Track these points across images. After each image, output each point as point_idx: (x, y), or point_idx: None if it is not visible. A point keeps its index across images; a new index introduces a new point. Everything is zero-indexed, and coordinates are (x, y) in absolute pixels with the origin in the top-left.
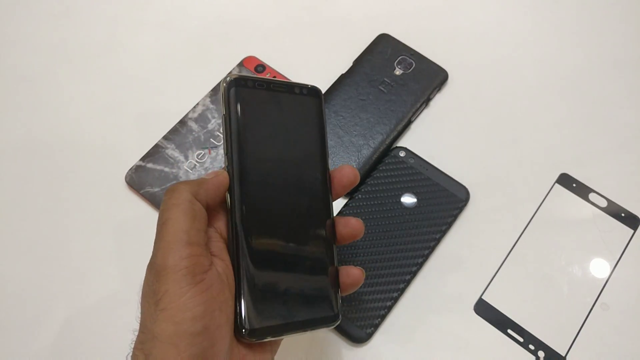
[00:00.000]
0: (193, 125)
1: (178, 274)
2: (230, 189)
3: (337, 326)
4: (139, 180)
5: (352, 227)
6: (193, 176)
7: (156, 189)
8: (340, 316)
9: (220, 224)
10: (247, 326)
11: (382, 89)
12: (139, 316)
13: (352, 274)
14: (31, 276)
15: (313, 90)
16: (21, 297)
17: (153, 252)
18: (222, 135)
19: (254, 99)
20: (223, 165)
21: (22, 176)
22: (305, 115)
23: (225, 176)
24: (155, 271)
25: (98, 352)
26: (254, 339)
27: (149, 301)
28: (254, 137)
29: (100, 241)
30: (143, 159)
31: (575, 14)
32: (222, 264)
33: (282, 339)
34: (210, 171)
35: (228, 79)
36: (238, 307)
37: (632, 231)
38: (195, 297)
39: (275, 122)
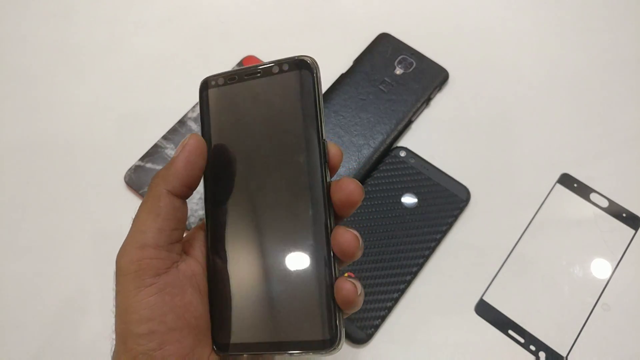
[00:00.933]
0: (192, 125)
1: (127, 277)
2: (205, 194)
3: None
4: (138, 180)
5: (345, 189)
6: None
7: None
8: (338, 341)
9: None
10: (216, 339)
11: (383, 88)
12: None
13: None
14: (30, 276)
15: (297, 63)
16: (21, 297)
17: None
18: None
19: (226, 97)
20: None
21: (21, 176)
22: (290, 97)
23: (195, 141)
24: (115, 270)
25: (98, 352)
26: (222, 353)
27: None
28: (227, 137)
29: (100, 241)
30: (142, 159)
31: (575, 14)
32: (195, 267)
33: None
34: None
35: (201, 81)
36: (212, 322)
37: (634, 231)
38: (142, 300)
39: (252, 116)
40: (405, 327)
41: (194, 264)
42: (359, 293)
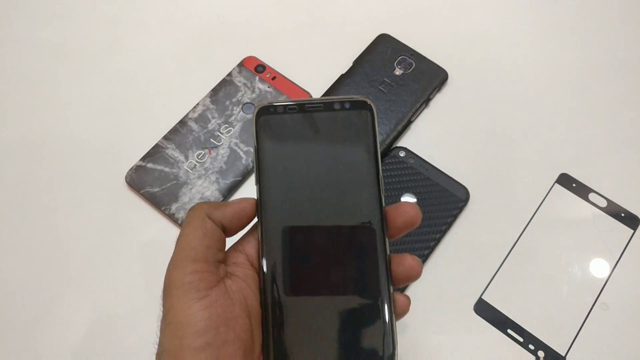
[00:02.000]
0: (193, 125)
1: (181, 289)
2: (259, 221)
3: None
4: (139, 180)
5: (406, 265)
6: (193, 176)
7: (156, 189)
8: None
9: (251, 250)
10: None
11: (382, 89)
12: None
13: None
14: (31, 276)
15: (359, 104)
16: (21, 297)
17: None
18: (254, 169)
19: (286, 125)
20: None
21: (22, 176)
22: (350, 134)
23: (249, 203)
24: (164, 287)
25: (97, 352)
26: None
27: (161, 315)
28: (285, 167)
29: (100, 241)
30: (143, 159)
31: (575, 14)
32: (239, 284)
33: None
34: (239, 197)
35: (256, 108)
36: (265, 345)
37: (632, 231)
38: (198, 312)
39: (310, 147)
40: (405, 326)
41: (238, 281)
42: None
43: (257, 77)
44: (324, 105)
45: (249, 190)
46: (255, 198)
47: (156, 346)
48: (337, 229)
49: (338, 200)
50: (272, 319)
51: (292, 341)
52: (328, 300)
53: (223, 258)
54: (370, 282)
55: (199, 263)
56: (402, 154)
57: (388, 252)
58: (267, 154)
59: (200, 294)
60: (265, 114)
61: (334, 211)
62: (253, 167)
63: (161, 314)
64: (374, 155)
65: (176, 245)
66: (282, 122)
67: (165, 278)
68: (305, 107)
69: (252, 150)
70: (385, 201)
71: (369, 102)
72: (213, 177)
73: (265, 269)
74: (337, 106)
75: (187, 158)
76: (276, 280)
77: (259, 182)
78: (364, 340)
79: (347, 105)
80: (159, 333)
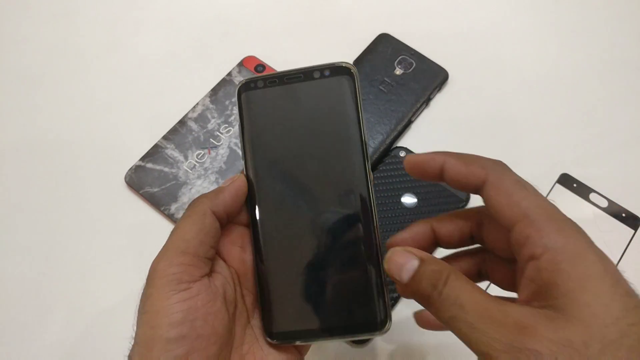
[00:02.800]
0: (193, 125)
1: (164, 279)
2: (249, 192)
3: None
4: (139, 180)
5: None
6: (192, 176)
7: (156, 189)
8: (389, 321)
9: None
10: (268, 328)
11: (383, 88)
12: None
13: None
14: (31, 276)
15: (339, 69)
16: (21, 297)
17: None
18: (240, 145)
19: (268, 98)
20: (241, 170)
21: (21, 176)
22: (332, 101)
23: (242, 180)
24: (148, 275)
25: (97, 352)
26: (276, 342)
27: (139, 305)
28: (269, 139)
29: (100, 241)
30: (143, 159)
31: (575, 14)
32: (221, 279)
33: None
34: (228, 178)
35: (238, 85)
36: (260, 307)
37: (633, 231)
38: (176, 304)
39: (293, 118)
40: (405, 327)
41: (221, 277)
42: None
43: None
44: (304, 74)
45: None
46: (243, 173)
47: (132, 342)
48: (325, 195)
49: (325, 167)
50: (265, 280)
51: (285, 304)
52: (318, 264)
53: (213, 255)
54: (360, 246)
55: (187, 256)
56: (402, 153)
57: (376, 217)
58: (251, 129)
59: (181, 286)
60: (247, 90)
61: (322, 178)
62: (240, 144)
63: (139, 302)
64: (357, 120)
65: (170, 235)
66: (264, 96)
67: (150, 267)
68: (285, 79)
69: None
70: (370, 167)
71: (348, 66)
72: (212, 177)
73: (259, 239)
74: (316, 74)
75: (186, 158)
76: (270, 245)
77: (244, 157)
78: (355, 303)
79: (327, 73)
80: (135, 327)
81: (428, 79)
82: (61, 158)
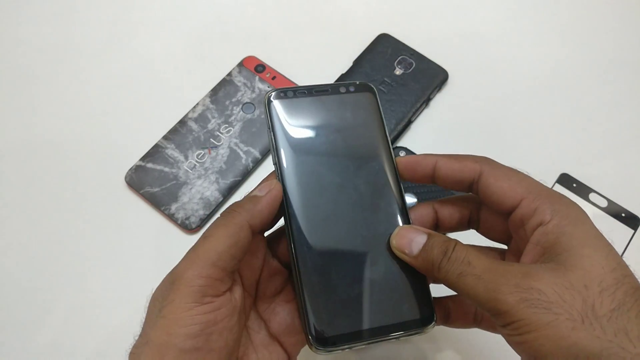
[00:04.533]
0: (193, 125)
1: (188, 289)
2: (286, 199)
3: None
4: (139, 180)
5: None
6: (192, 176)
7: (156, 189)
8: (435, 316)
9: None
10: (315, 335)
11: (382, 88)
12: (143, 320)
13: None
14: (31, 276)
15: (362, 86)
16: (21, 297)
17: (181, 260)
18: (271, 151)
19: (299, 107)
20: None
21: (22, 176)
22: (358, 113)
23: (278, 189)
24: (172, 278)
25: (97, 352)
26: (323, 349)
27: (155, 305)
28: (303, 145)
29: (100, 241)
30: (143, 159)
31: (575, 14)
32: (240, 291)
33: (361, 348)
34: (262, 183)
35: (267, 93)
36: (304, 316)
37: (633, 231)
38: (196, 315)
39: (326, 125)
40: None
41: (239, 289)
42: None
43: (257, 77)
44: (331, 88)
45: (248, 190)
46: (276, 180)
47: (136, 337)
48: (363, 199)
49: (360, 172)
50: (311, 288)
51: (333, 309)
52: (363, 266)
53: (238, 267)
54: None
55: (216, 269)
56: (402, 153)
57: (409, 215)
58: (285, 135)
59: (205, 299)
60: (277, 98)
61: (358, 182)
62: (270, 149)
63: (152, 300)
64: (383, 128)
65: (202, 240)
66: (294, 105)
67: (177, 269)
68: (313, 92)
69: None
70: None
71: (370, 84)
72: (213, 177)
73: (301, 248)
74: (342, 89)
75: (186, 158)
76: (312, 253)
77: (277, 163)
78: (404, 300)
79: (351, 89)
80: (144, 323)
81: (428, 79)
82: (61, 158)
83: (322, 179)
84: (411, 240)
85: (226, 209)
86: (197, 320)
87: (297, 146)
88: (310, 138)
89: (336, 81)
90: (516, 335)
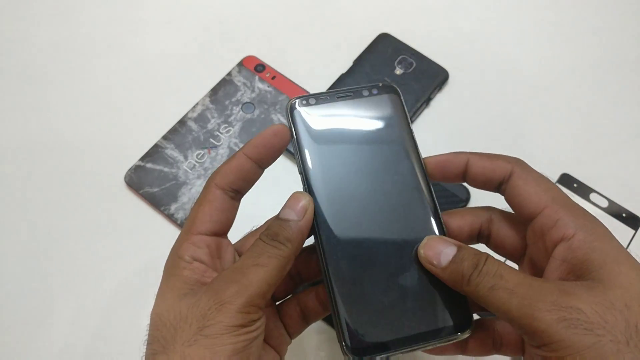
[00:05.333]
0: (192, 125)
1: (238, 315)
2: (315, 215)
3: None
4: (139, 180)
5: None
6: (192, 176)
7: (155, 189)
8: (472, 322)
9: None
10: (350, 344)
11: None
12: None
13: None
14: (30, 276)
15: (386, 88)
16: (20, 297)
17: (225, 280)
18: (296, 161)
19: (321, 115)
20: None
21: (21, 176)
22: (383, 116)
23: (311, 209)
24: (218, 299)
25: (97, 352)
26: (358, 359)
27: (189, 323)
28: (328, 152)
29: (100, 241)
30: (142, 159)
31: (575, 14)
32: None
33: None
34: (293, 200)
35: (290, 101)
36: (338, 326)
37: (633, 231)
38: (241, 335)
39: (348, 132)
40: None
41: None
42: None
43: (257, 77)
44: (353, 93)
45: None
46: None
47: (145, 344)
48: (393, 205)
49: (389, 178)
50: (339, 290)
51: (362, 311)
52: (396, 271)
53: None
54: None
55: (264, 300)
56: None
57: (442, 219)
58: (308, 144)
59: (249, 323)
60: (300, 106)
61: (388, 188)
62: (296, 159)
63: (180, 317)
64: (410, 132)
65: (255, 268)
66: (316, 112)
67: (225, 292)
68: (336, 97)
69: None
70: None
71: (393, 84)
72: None
73: (332, 256)
74: (365, 93)
75: (186, 158)
76: (344, 260)
77: (304, 171)
78: (439, 305)
79: (374, 91)
80: (171, 338)
81: (428, 79)
82: (61, 158)
83: (350, 187)
84: (440, 252)
85: (272, 232)
86: (242, 339)
87: (323, 155)
88: (335, 146)
89: (336, 81)
90: (555, 358)
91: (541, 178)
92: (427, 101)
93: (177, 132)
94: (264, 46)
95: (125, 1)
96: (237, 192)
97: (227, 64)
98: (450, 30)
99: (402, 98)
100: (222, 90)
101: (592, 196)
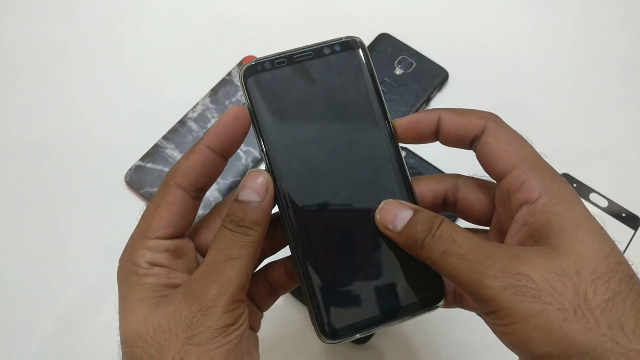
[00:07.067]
0: (193, 125)
1: (225, 315)
2: (276, 190)
3: None
4: (139, 180)
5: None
6: None
7: (155, 189)
8: (445, 290)
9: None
10: (325, 328)
11: (383, 88)
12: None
13: None
14: (30, 276)
15: (349, 43)
16: (20, 297)
17: (202, 281)
18: (255, 137)
19: (280, 80)
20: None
21: (21, 176)
22: (348, 77)
23: (272, 190)
24: (202, 305)
25: (96, 352)
26: (336, 340)
27: (175, 334)
28: (290, 122)
29: (100, 241)
30: (142, 158)
31: (575, 14)
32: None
33: (372, 333)
34: (251, 178)
35: (242, 68)
36: (314, 310)
37: (633, 231)
38: (232, 334)
39: (312, 96)
40: (405, 326)
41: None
42: None
43: None
44: (314, 52)
45: None
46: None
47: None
48: (360, 173)
49: (355, 144)
50: (312, 278)
51: (341, 297)
52: (366, 247)
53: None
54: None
55: (244, 291)
56: (402, 153)
57: (410, 182)
58: (266, 115)
59: (237, 319)
60: (254, 73)
61: (354, 155)
62: (254, 134)
63: (166, 328)
64: (376, 91)
65: (230, 262)
66: (274, 78)
67: (206, 295)
68: (294, 58)
69: (248, 111)
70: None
71: (357, 39)
72: None
73: (302, 237)
74: (327, 51)
75: None
76: (315, 240)
77: (265, 149)
78: (411, 278)
79: (337, 48)
80: (158, 348)
81: (428, 78)
82: (61, 158)
83: (315, 158)
84: (396, 215)
85: (236, 217)
86: (233, 336)
87: (284, 127)
88: (296, 114)
89: None
90: (502, 325)
91: (514, 136)
92: (427, 101)
93: (178, 132)
94: (264, 46)
95: (125, 1)
96: (200, 191)
97: (227, 64)
98: (450, 30)
99: (367, 53)
100: (222, 90)
101: (592, 196)
